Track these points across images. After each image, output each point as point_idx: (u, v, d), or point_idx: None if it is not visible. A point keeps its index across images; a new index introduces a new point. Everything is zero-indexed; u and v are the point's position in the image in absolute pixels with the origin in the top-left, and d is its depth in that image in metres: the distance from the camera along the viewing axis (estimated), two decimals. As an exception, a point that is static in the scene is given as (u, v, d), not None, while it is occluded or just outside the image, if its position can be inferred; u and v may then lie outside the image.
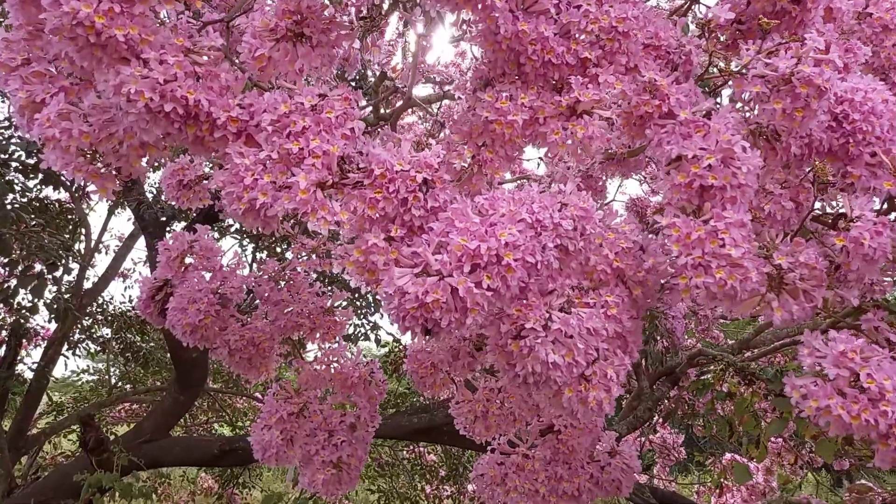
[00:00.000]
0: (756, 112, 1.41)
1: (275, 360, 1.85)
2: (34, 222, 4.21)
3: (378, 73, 2.60)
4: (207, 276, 1.83)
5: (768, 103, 1.29)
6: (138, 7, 1.11)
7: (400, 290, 1.07)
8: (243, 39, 1.17)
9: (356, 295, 4.77)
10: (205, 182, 1.81)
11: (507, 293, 1.11)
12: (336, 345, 1.92)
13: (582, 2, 1.29)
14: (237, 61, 1.25)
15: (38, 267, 3.89)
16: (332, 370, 1.89)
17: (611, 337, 1.31)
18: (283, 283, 1.87)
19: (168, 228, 4.39)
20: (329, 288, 1.86)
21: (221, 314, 1.74)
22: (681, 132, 1.29)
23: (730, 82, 1.62)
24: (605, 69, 1.30)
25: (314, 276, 1.90)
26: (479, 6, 1.22)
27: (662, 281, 1.34)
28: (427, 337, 1.10)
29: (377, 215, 1.17)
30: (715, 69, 1.45)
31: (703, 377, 4.20)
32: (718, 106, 1.43)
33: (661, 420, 4.66)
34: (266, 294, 1.86)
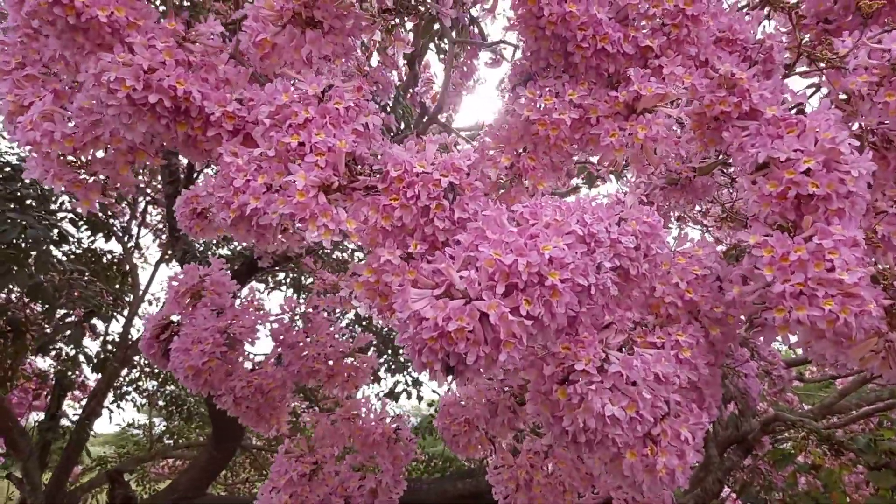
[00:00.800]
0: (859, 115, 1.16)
1: (287, 412, 1.63)
2: (78, 272, 4.21)
3: (419, 104, 2.47)
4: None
5: (878, 97, 1.05)
6: (125, -15, 0.98)
7: (416, 315, 0.85)
8: (244, 24, 1.01)
9: (400, 351, 4.55)
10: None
11: (551, 323, 0.87)
12: (357, 395, 1.69)
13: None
14: (242, 59, 1.09)
15: (74, 315, 3.85)
16: (352, 425, 1.65)
17: (683, 387, 1.04)
18: (297, 323, 1.67)
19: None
20: (346, 328, 1.64)
21: (229, 357, 1.54)
22: (768, 132, 1.06)
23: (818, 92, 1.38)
24: (670, 60, 1.08)
25: (338, 315, 1.69)
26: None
27: (750, 318, 1.08)
28: (449, 378, 0.87)
29: (392, 226, 0.96)
30: (805, 59, 1.22)
31: (777, 445, 3.78)
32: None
33: (733, 494, 4.18)
34: (281, 336, 1.66)
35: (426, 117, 2.21)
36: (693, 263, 1.09)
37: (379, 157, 1.01)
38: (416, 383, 4.64)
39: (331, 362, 1.59)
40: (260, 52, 1.02)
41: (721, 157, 1.54)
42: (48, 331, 4.13)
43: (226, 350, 1.50)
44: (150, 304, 6.52)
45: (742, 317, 1.15)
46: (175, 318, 1.66)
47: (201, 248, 5.03)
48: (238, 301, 1.69)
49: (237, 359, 1.54)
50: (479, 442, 1.55)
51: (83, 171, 1.14)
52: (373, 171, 0.98)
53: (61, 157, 1.11)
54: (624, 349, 0.99)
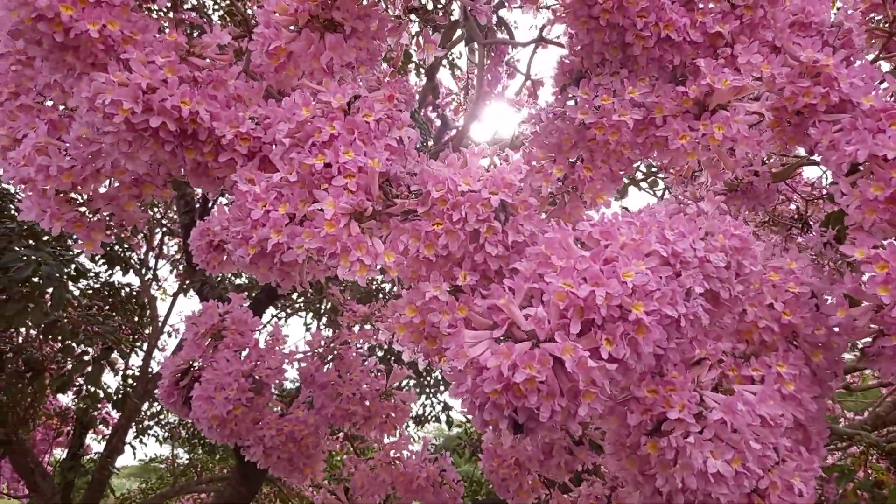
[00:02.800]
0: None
1: (322, 459, 1.49)
2: (96, 307, 4.13)
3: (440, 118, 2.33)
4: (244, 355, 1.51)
5: None
6: (118, -5, 0.86)
7: (474, 363, 0.70)
8: (254, 32, 0.88)
9: (424, 371, 4.40)
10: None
11: (637, 365, 0.72)
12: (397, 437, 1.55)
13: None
14: (253, 74, 0.97)
15: (91, 352, 3.76)
16: (394, 471, 1.51)
17: (789, 427, 0.88)
18: (330, 361, 1.53)
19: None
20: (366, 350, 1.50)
21: (255, 403, 1.41)
22: (866, 126, 0.90)
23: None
24: (745, 47, 0.94)
25: (369, 350, 1.55)
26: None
27: (861, 344, 0.92)
28: (517, 435, 0.72)
29: (437, 256, 0.82)
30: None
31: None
32: None
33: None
34: (311, 375, 1.52)
35: (454, 131, 2.08)
36: (788, 280, 0.93)
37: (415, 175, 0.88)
38: (446, 407, 4.48)
39: (367, 402, 1.45)
40: (274, 62, 0.89)
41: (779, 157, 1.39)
42: (68, 368, 4.05)
43: (252, 396, 1.37)
44: (170, 335, 6.45)
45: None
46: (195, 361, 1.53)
47: (219, 277, 4.94)
48: (261, 337, 1.56)
49: (265, 404, 1.40)
50: (533, 487, 1.39)
51: (84, 208, 1.01)
52: (411, 193, 0.85)
53: (59, 195, 0.99)
54: (719, 388, 0.84)
